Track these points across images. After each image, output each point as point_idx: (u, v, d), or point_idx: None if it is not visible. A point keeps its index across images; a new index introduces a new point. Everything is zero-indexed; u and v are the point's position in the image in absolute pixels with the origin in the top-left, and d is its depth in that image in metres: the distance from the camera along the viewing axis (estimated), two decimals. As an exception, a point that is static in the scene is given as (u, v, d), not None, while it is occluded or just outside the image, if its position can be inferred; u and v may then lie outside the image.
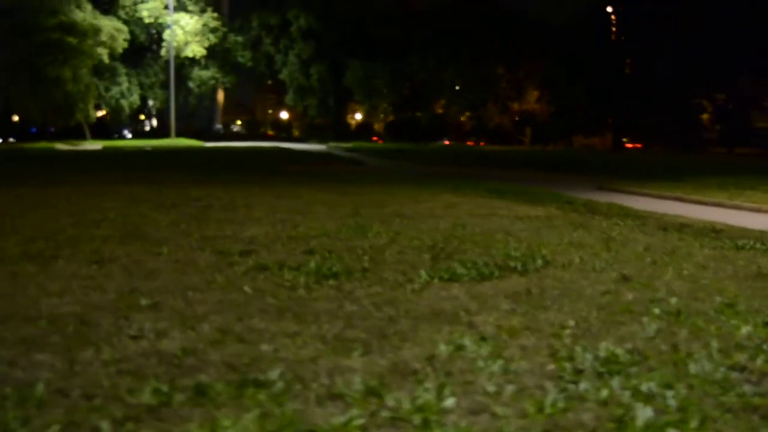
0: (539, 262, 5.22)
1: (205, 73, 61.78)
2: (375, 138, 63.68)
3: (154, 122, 71.38)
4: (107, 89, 56.24)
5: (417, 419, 2.60)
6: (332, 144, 51.88)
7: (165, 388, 2.87)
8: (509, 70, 62.08)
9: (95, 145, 45.55)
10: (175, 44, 55.87)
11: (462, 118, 68.06)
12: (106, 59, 50.67)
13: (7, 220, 7.42)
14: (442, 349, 3.31)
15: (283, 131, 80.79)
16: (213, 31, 59.87)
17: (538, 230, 7.13)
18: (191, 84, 62.24)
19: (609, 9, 59.07)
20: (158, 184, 12.50)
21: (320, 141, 58.01)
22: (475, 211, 8.79)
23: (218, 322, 3.75)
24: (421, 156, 32.23)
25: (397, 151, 37.30)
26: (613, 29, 58.36)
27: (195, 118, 70.47)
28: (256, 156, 28.18)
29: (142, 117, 71.60)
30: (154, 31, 59.31)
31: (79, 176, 14.57)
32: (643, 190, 15.19)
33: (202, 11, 59.53)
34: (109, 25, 49.82)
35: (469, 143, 60.13)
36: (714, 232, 7.69)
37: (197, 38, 58.40)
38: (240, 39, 62.40)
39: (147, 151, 33.14)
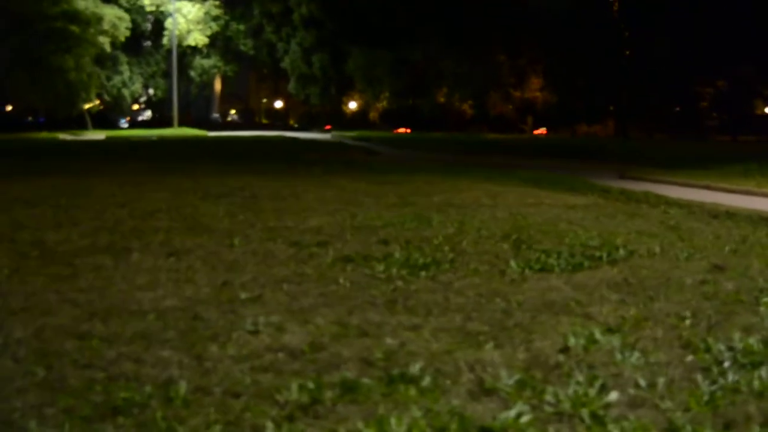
0: (621, 252, 5.18)
1: (207, 62, 61.56)
2: (328, 126, 62.32)
3: (149, 112, 71.09)
4: (109, 78, 55.97)
5: (584, 414, 2.55)
6: (336, 133, 51.69)
7: (311, 384, 2.82)
8: (511, 58, 61.80)
9: (98, 134, 45.34)
10: (177, 33, 55.57)
11: (464, 107, 67.81)
12: (107, 48, 50.39)
13: (60, 212, 7.35)
14: (573, 341, 3.26)
15: (278, 120, 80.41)
16: (215, 19, 59.62)
17: (597, 219, 7.08)
18: (192, 73, 62.05)
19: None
20: (188, 173, 12.42)
21: (322, 130, 57.78)
22: (522, 200, 8.74)
23: (330, 315, 3.70)
24: (430, 145, 32.07)
25: (403, 140, 37.16)
26: (615, 16, 58.14)
27: (192, 107, 70.22)
28: (269, 145, 28.07)
29: (136, 107, 71.30)
30: (155, 20, 58.98)
31: (104, 166, 14.48)
32: (668, 179, 15.12)
33: (204, -1, 59.30)
34: (110, 13, 49.52)
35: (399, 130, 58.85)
36: (765, 220, 7.64)
37: (199, 26, 58.15)
38: (242, 27, 62.15)
39: (155, 141, 32.96)
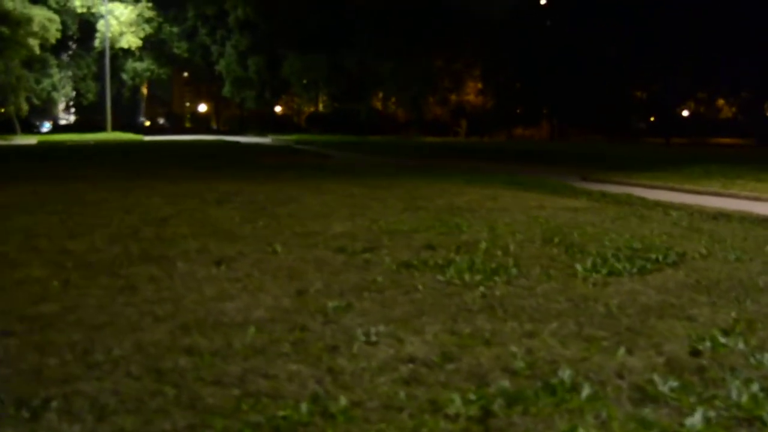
0: (673, 255, 5.22)
1: (140, 65, 60.16)
2: None
3: (71, 116, 69.17)
4: (38, 81, 54.16)
5: (766, 418, 2.55)
6: (274, 137, 51.14)
7: (472, 396, 2.74)
8: (448, 63, 62.34)
9: (29, 139, 43.80)
10: (109, 35, 54.10)
11: (398, 111, 68.12)
12: (37, 50, 48.73)
13: (65, 219, 7.05)
14: (701, 345, 3.26)
15: (202, 124, 79.26)
16: (148, 21, 58.24)
17: (614, 222, 7.16)
18: (125, 76, 60.52)
19: (543, 1, 60.01)
20: (166, 178, 12.10)
21: (258, 134, 57.05)
22: (523, 203, 8.78)
23: (436, 324, 3.63)
24: (375, 149, 31.88)
25: (348, 143, 36.96)
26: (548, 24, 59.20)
27: (118, 111, 68.46)
28: (219, 149, 27.55)
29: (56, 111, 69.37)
30: (86, 22, 57.25)
31: (72, 171, 13.95)
32: (631, 180, 15.31)
33: (137, 0, 57.77)
34: (40, 14, 47.88)
35: None
36: (763, 222, 7.77)
37: (132, 29, 56.71)
38: (175, 29, 60.95)
39: (96, 146, 32.01)
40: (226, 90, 63.54)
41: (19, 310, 3.91)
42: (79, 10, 55.45)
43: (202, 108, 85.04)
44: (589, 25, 49.74)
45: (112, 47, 55.03)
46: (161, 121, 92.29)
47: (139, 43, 57.51)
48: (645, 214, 7.96)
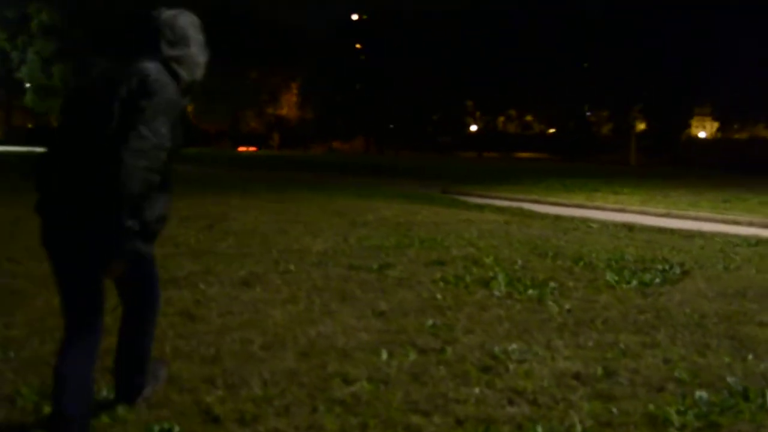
0: (676, 266, 5.58)
1: (-73, 70, 54.84)
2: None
3: None
4: None
5: None
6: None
7: (680, 407, 2.85)
8: (264, 76, 62.01)
9: None
10: None
11: (211, 123, 66.85)
12: None
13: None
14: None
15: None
16: (-61, 22, 53.30)
17: (566, 234, 7.54)
18: None
19: (354, 17, 61.36)
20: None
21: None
22: (452, 217, 9.00)
23: (553, 339, 3.71)
24: (206, 161, 30.69)
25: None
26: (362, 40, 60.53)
27: None
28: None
29: None
30: None
31: None
32: (494, 194, 15.74)
33: (-75, 0, 52.73)
34: None
35: None
36: (670, 232, 8.33)
37: None
38: (-29, 33, 56.22)
39: None
40: (29, 99, 59.34)
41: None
42: None
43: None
44: (398, 46, 51.45)
45: None
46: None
47: (-71, 45, 52.42)
48: (578, 227, 8.38)
